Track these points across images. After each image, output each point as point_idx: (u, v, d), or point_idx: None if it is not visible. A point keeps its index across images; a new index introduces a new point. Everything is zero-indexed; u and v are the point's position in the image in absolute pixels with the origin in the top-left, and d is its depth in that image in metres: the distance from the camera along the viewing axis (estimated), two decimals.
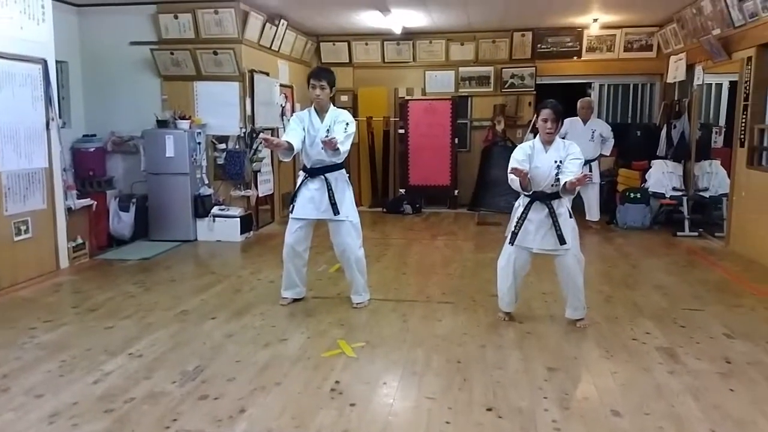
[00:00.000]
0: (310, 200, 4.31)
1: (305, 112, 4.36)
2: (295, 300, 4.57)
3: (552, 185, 3.85)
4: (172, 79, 7.26)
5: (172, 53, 7.10)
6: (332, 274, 5.45)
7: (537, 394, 3.10)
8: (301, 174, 4.45)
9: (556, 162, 3.83)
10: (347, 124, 4.26)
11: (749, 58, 6.19)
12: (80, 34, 7.28)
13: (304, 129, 4.25)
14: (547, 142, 3.90)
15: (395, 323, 4.16)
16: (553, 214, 3.84)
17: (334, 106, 4.37)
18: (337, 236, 4.38)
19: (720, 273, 5.61)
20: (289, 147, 4.15)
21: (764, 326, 4.11)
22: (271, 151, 7.99)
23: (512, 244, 3.96)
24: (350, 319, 4.24)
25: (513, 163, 3.84)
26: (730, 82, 8.48)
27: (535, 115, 8.92)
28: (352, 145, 4.38)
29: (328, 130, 4.20)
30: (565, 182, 3.74)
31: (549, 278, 5.46)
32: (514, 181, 3.83)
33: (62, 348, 3.68)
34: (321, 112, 4.29)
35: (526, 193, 3.89)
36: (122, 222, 6.81)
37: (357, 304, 4.49)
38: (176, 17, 7.04)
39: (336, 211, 4.27)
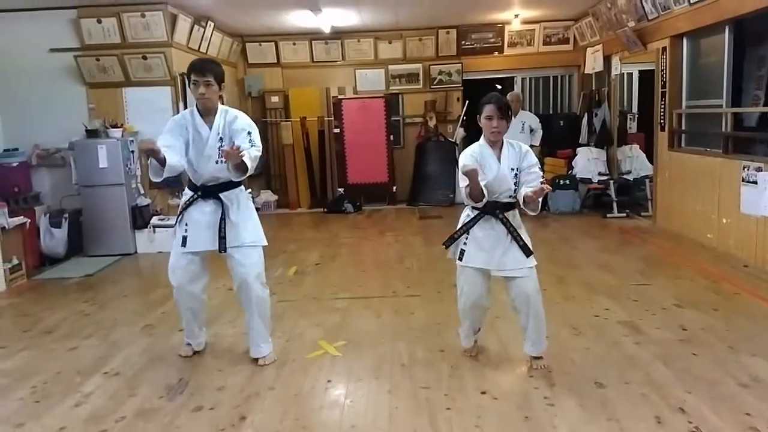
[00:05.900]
0: (207, 227, 3.39)
1: (185, 116, 3.38)
2: (196, 352, 3.67)
3: (510, 196, 3.28)
4: (99, 87, 6.94)
5: (97, 59, 6.78)
6: (291, 277, 5.41)
7: (523, 373, 3.25)
8: (187, 192, 3.48)
9: (513, 170, 3.23)
10: (249, 132, 3.31)
11: (664, 48, 6.67)
12: None
13: (187, 140, 3.33)
14: (495, 144, 3.24)
15: (370, 320, 4.21)
16: (510, 227, 3.25)
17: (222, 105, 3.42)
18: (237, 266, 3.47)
19: (654, 249, 6.03)
20: (163, 164, 3.17)
21: (707, 294, 4.48)
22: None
23: (461, 260, 3.32)
24: (324, 320, 4.23)
25: (463, 170, 3.05)
26: (640, 71, 9.11)
27: (464, 110, 9.30)
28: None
29: (221, 138, 3.31)
30: (525, 195, 3.16)
31: None
32: (468, 195, 3.17)
33: (28, 374, 3.48)
34: (207, 115, 3.34)
35: (477, 205, 3.20)
36: (55, 239, 6.42)
37: (260, 359, 3.49)
38: (100, 22, 6.73)
39: (223, 247, 3.37)
